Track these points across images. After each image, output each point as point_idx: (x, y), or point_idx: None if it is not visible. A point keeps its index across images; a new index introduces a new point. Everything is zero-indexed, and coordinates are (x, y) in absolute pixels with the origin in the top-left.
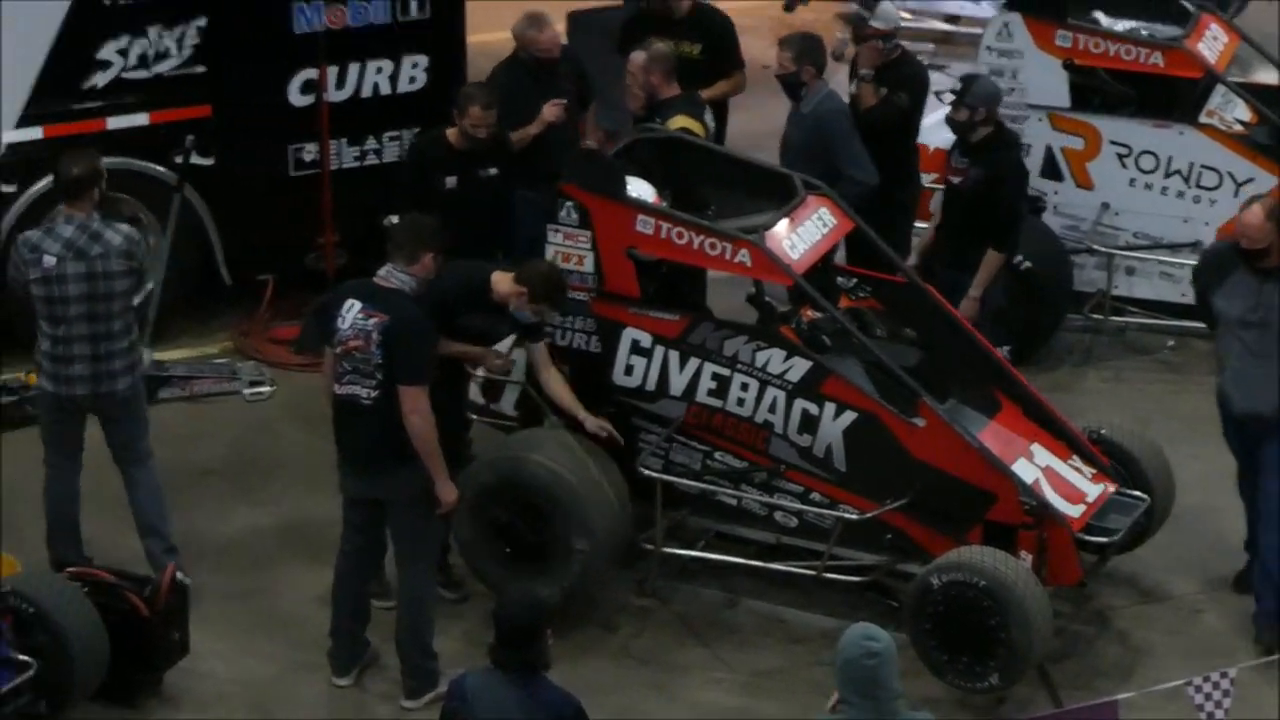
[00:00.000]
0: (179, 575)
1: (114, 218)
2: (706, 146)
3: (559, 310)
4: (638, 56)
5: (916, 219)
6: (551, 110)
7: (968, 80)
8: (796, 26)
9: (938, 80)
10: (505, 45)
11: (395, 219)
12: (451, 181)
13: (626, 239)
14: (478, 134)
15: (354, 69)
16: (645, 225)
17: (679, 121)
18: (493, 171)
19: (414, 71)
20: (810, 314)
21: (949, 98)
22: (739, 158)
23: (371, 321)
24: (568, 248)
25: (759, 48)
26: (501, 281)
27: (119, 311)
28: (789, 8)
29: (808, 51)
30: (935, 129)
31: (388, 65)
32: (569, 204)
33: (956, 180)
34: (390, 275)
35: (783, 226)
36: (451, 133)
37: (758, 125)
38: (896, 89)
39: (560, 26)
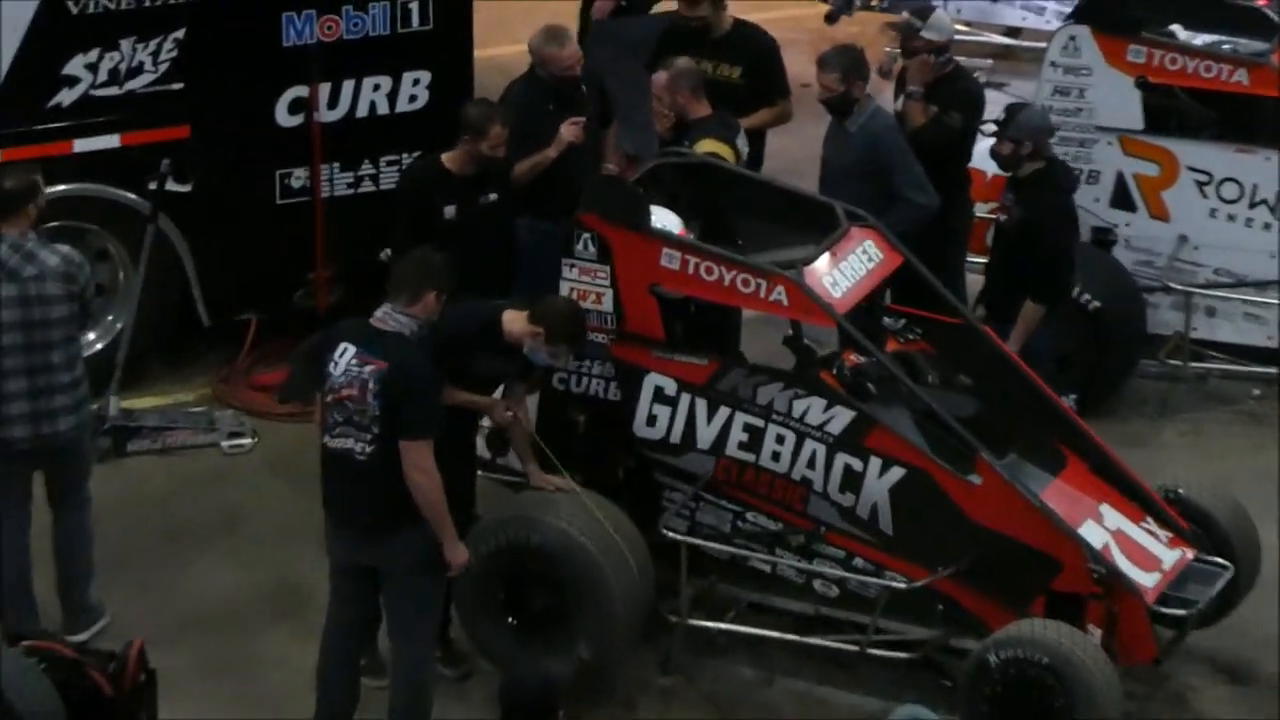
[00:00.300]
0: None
1: (83, 252)
2: (737, 173)
3: (578, 353)
4: (660, 76)
5: (969, 251)
6: (570, 130)
7: (1012, 110)
8: (838, 40)
9: (995, 100)
10: (516, 60)
11: (391, 253)
12: (451, 211)
13: (650, 275)
14: (497, 154)
15: (348, 86)
16: (671, 259)
17: (706, 145)
18: (493, 197)
19: (415, 89)
20: (854, 358)
21: (991, 129)
22: (774, 185)
23: (368, 369)
24: (584, 284)
25: (800, 64)
26: (514, 321)
27: (59, 341)
28: (831, 19)
29: (852, 66)
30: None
31: (386, 82)
32: (586, 235)
33: (1003, 218)
34: (389, 317)
35: (823, 261)
36: (449, 157)
37: (796, 149)
38: (948, 108)
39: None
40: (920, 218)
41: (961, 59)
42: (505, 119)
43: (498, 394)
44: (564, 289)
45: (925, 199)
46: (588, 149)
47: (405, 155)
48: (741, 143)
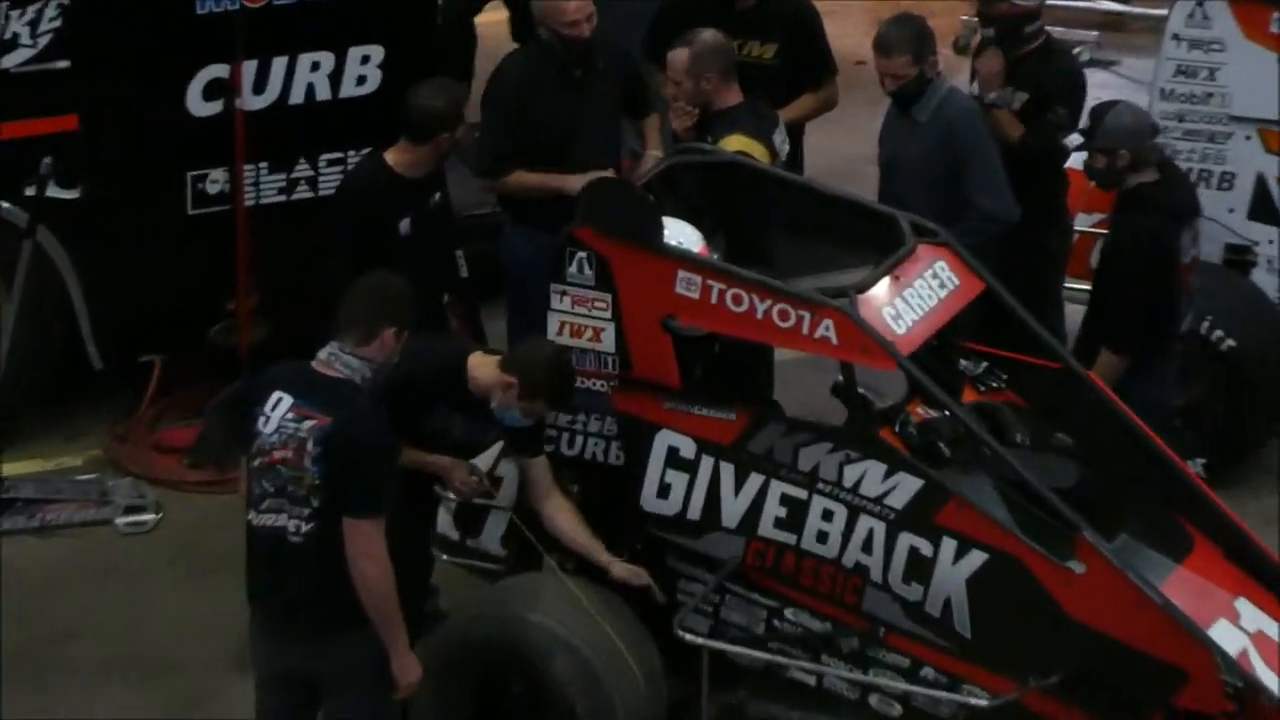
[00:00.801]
0: None
1: None
2: (774, 175)
3: (561, 409)
4: (679, 55)
5: (1068, 275)
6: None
7: (1098, 112)
8: (899, 7)
9: (1102, 83)
10: (500, 30)
11: (330, 279)
12: (405, 226)
13: (663, 305)
14: (451, 146)
15: (279, 65)
16: (689, 285)
17: (735, 142)
18: (438, 198)
19: (364, 69)
20: (922, 412)
21: (1075, 140)
22: (819, 191)
23: (307, 425)
24: (579, 317)
25: (851, 36)
26: (482, 368)
27: None
28: None
29: (922, 41)
30: None
31: (328, 59)
32: (581, 255)
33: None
34: (335, 359)
35: (883, 288)
36: (396, 156)
37: (846, 144)
38: (1040, 95)
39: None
40: (988, 230)
41: (1057, 30)
42: (465, 93)
43: (488, 457)
44: (552, 324)
45: (996, 206)
46: (605, 139)
47: (352, 153)
48: (779, 138)
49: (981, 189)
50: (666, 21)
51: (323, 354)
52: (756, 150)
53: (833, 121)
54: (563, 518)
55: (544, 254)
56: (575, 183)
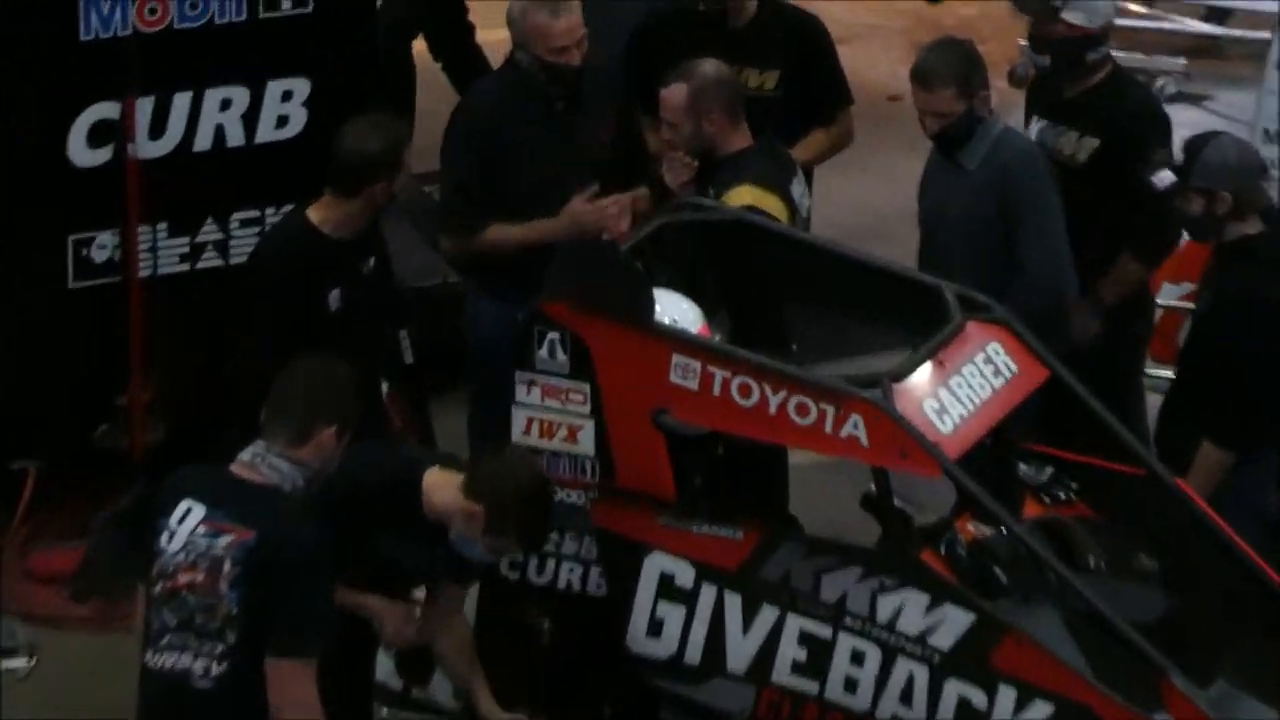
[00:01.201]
0: None
1: None
2: (791, 236)
3: (532, 548)
4: (675, 92)
5: (1152, 360)
6: (586, 210)
7: (1193, 147)
8: (944, 30)
9: (1191, 122)
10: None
11: (241, 366)
12: (335, 298)
13: (654, 397)
14: (391, 196)
15: (182, 103)
16: (686, 372)
17: (744, 194)
18: (372, 263)
19: (287, 107)
20: (973, 529)
21: (1165, 178)
22: (847, 255)
23: (224, 540)
24: (550, 413)
25: (883, 69)
26: (441, 489)
27: None
28: None
29: (969, 70)
30: None
31: (241, 96)
32: (553, 336)
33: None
34: (261, 461)
35: (924, 375)
36: (322, 213)
37: (878, 196)
38: (1109, 136)
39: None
40: (1036, 305)
41: (1136, 58)
42: (408, 130)
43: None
44: (518, 420)
45: (1048, 275)
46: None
47: (271, 210)
48: (799, 190)
49: (1032, 252)
50: (644, 49)
51: (245, 455)
52: (771, 204)
53: (862, 168)
54: (449, 644)
55: (509, 328)
56: (561, 227)
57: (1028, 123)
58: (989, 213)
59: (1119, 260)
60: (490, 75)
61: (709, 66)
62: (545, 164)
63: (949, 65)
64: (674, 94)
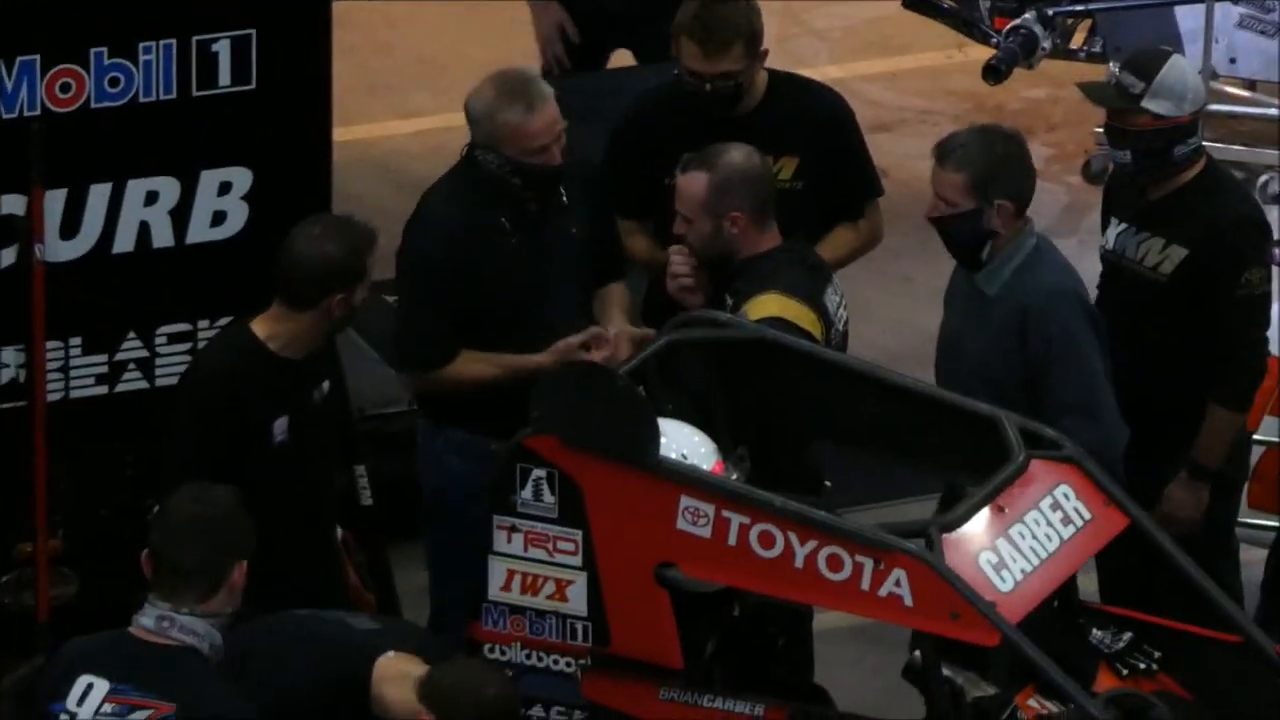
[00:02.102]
0: None
1: None
2: (821, 357)
3: None
4: (694, 182)
5: (1248, 506)
6: (575, 354)
7: None
8: (995, 117)
9: None
10: (410, 145)
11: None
12: (281, 428)
13: (658, 548)
14: (361, 306)
15: (99, 196)
16: (697, 518)
17: (770, 304)
18: (325, 387)
19: (224, 202)
20: (1037, 705)
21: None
22: (888, 380)
23: (138, 718)
24: (535, 564)
25: (917, 154)
26: (392, 684)
27: None
28: (995, 73)
29: (996, 165)
30: None
31: (170, 188)
32: (539, 474)
33: None
34: (170, 624)
35: (980, 524)
36: (269, 327)
37: (925, 313)
38: (1204, 254)
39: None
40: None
41: (1233, 149)
42: (372, 234)
43: None
44: (496, 574)
45: (1088, 435)
46: (572, 301)
47: (204, 324)
48: (834, 303)
49: (1074, 411)
50: (629, 141)
51: (147, 620)
52: (802, 316)
53: (906, 279)
54: None
55: (484, 472)
56: (547, 359)
57: (1105, 226)
58: (1012, 355)
59: (1208, 413)
60: (443, 180)
61: (737, 155)
62: (516, 282)
63: (973, 153)
64: (691, 184)
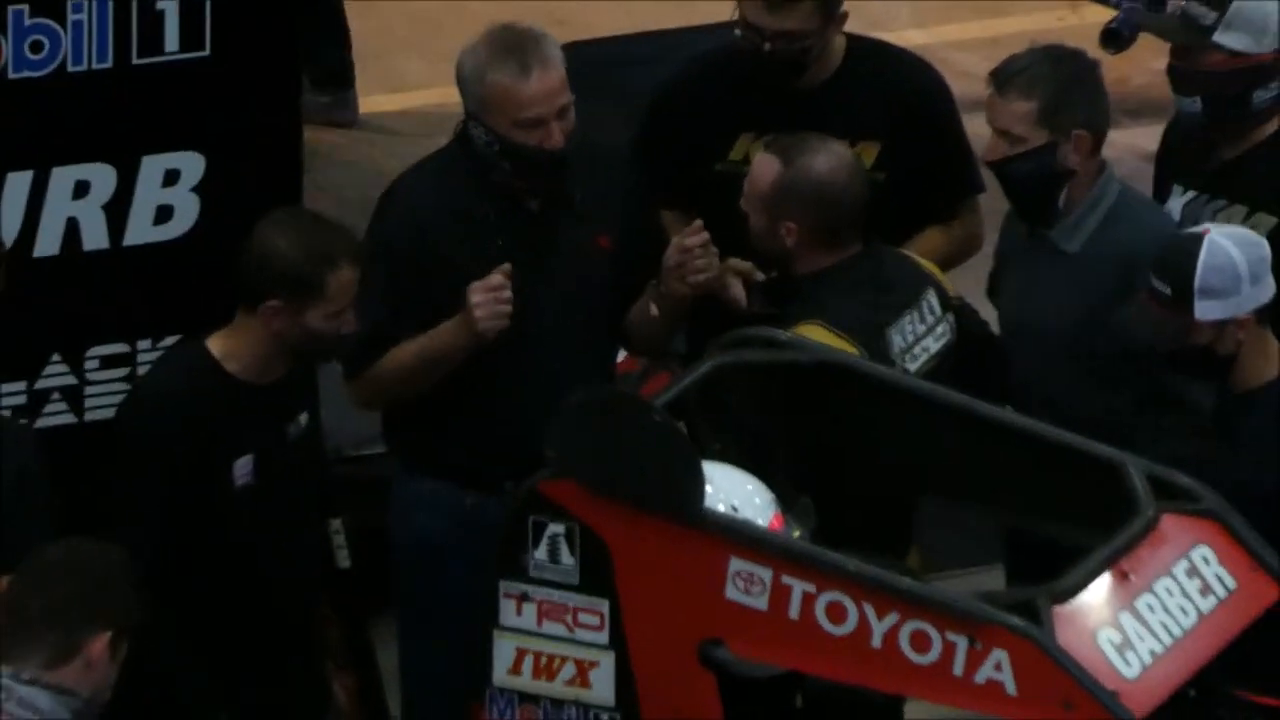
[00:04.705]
0: None
1: None
2: (903, 388)
3: None
4: (764, 166)
5: None
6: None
7: None
8: (1116, 91)
9: None
10: (404, 124)
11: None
12: (245, 468)
13: (704, 620)
14: (340, 328)
15: (17, 187)
16: (751, 585)
17: (812, 334)
18: (303, 421)
19: (171, 194)
20: None
21: None
22: (987, 417)
23: None
24: (551, 642)
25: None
26: None
27: None
28: (1115, 38)
29: (1071, 92)
30: None
31: (104, 176)
32: (556, 531)
33: None
34: (7, 698)
35: (1099, 593)
36: (227, 345)
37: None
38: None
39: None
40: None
41: None
42: (355, 251)
43: None
44: (503, 654)
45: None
46: (583, 323)
47: (146, 345)
48: (911, 331)
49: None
50: (669, 114)
51: None
52: (853, 350)
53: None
54: None
55: (473, 527)
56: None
57: (1162, 194)
58: (1102, 309)
59: None
60: (428, 158)
61: (822, 160)
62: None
63: (1040, 76)
64: (761, 169)
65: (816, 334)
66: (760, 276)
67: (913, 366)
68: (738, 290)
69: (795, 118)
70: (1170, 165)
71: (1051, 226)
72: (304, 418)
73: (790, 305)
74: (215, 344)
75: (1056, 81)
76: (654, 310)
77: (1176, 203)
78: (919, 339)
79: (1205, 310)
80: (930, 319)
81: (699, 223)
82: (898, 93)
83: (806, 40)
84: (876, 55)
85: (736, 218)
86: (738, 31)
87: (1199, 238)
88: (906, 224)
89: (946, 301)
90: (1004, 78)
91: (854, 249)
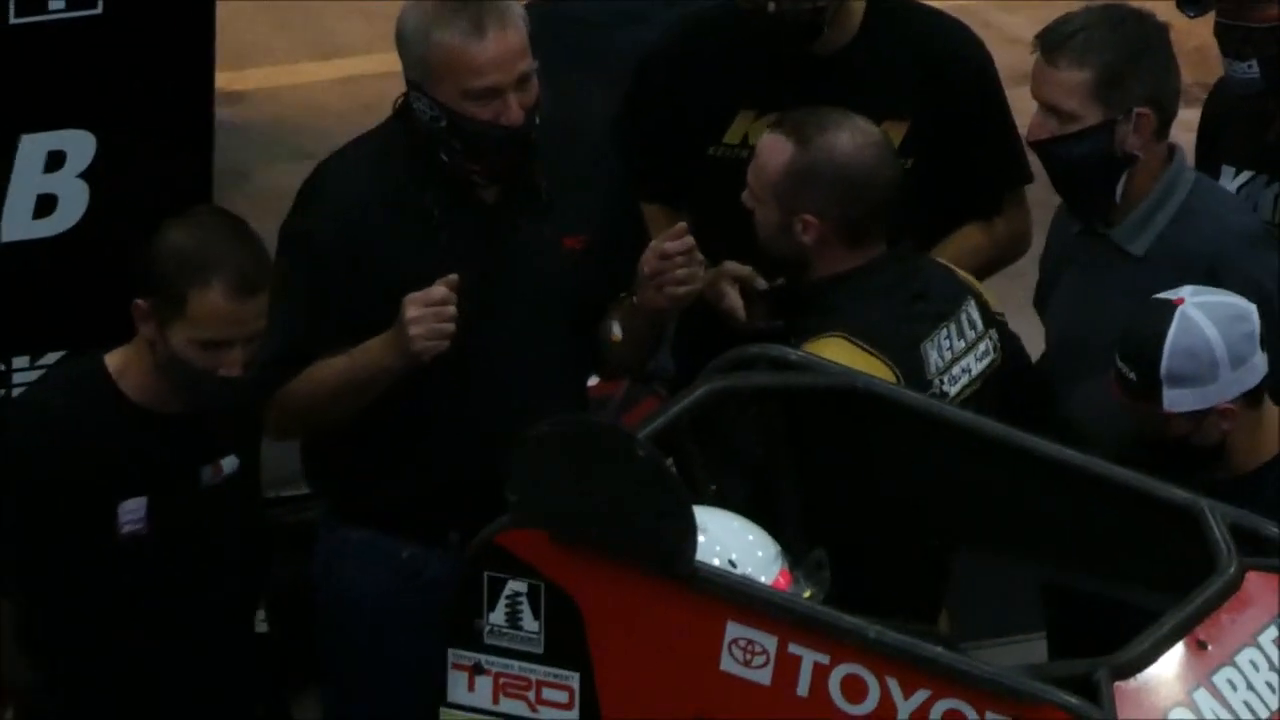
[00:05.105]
0: None
1: None
2: (940, 418)
3: None
4: (772, 147)
5: None
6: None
7: None
8: (1194, 62)
9: None
10: (338, 98)
11: None
12: (135, 513)
13: (695, 697)
14: (231, 367)
15: None
16: (751, 656)
17: (831, 349)
18: (228, 465)
19: (54, 180)
20: None
21: None
22: (1040, 452)
23: None
24: None
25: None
26: None
27: None
28: (1197, 1)
29: (1135, 60)
30: None
31: None
32: (517, 589)
33: None
34: None
35: (1171, 666)
36: (124, 359)
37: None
38: None
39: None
40: None
41: None
42: (241, 278)
43: None
44: None
45: None
46: (545, 340)
47: (22, 365)
48: (948, 347)
49: None
50: (656, 85)
51: None
52: (870, 371)
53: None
54: None
55: (412, 583)
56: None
57: (1206, 172)
58: None
59: None
60: (360, 139)
61: (846, 138)
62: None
63: (1099, 41)
64: (771, 151)
65: (838, 349)
66: (762, 284)
67: (952, 390)
68: (734, 300)
69: (805, 92)
70: (1219, 142)
71: (1110, 223)
72: (230, 461)
73: (805, 316)
74: (113, 360)
75: (1116, 48)
76: (616, 333)
77: (1229, 185)
78: (958, 357)
79: (1175, 400)
80: (971, 334)
81: (682, 225)
82: (929, 61)
83: None
84: (903, 16)
85: (734, 213)
86: None
87: (1169, 310)
88: (939, 220)
89: (989, 315)
90: (1053, 42)
91: (878, 249)
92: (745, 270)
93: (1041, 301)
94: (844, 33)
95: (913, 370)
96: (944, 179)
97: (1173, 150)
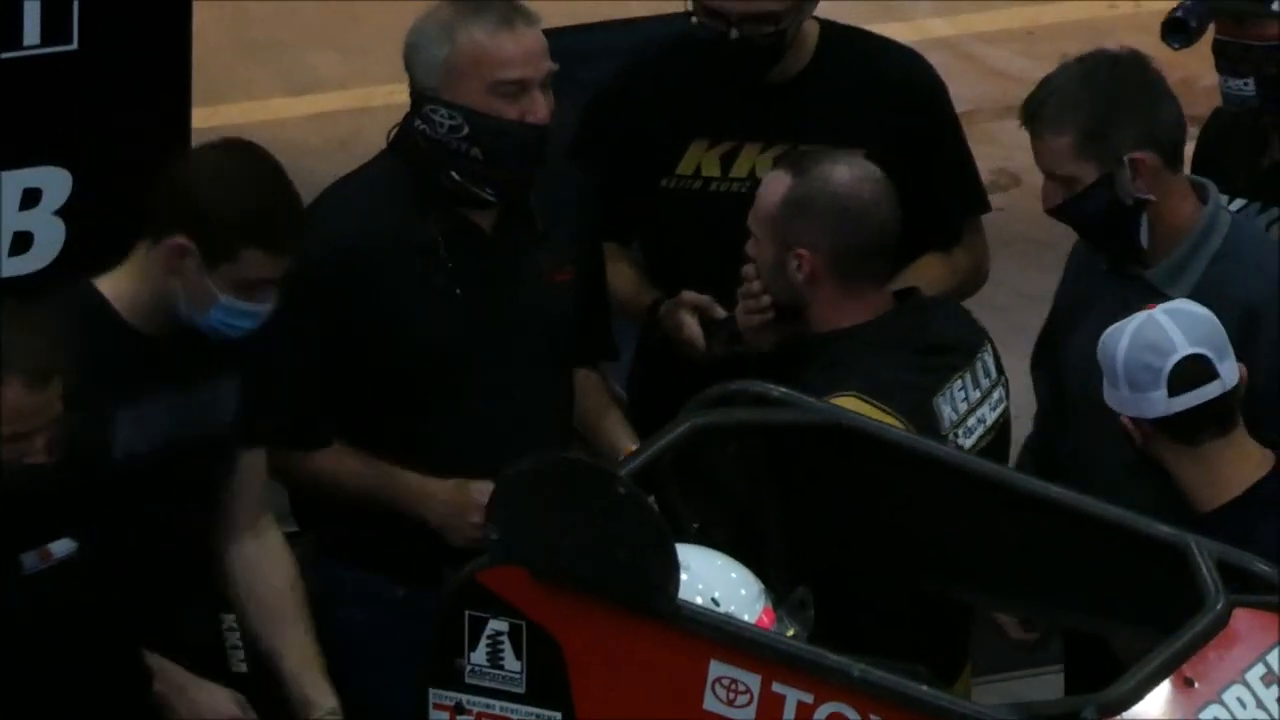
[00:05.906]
0: None
1: None
2: (929, 457)
3: None
4: (774, 184)
5: None
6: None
7: None
8: (1182, 93)
9: None
10: (313, 134)
11: None
12: (34, 565)
13: None
14: (35, 453)
15: None
16: (735, 695)
17: (851, 405)
18: (67, 549)
19: (30, 217)
20: None
21: None
22: (1030, 491)
23: None
24: None
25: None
26: None
27: None
28: (1180, 30)
29: (1111, 108)
30: None
31: None
32: (497, 627)
33: None
34: None
35: (1156, 702)
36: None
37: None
38: None
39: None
40: None
41: None
42: (36, 370)
43: None
44: None
45: None
46: (542, 372)
47: None
48: (963, 399)
49: None
50: (617, 111)
51: None
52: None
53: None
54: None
55: (407, 623)
56: (457, 496)
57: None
58: None
59: None
60: (357, 172)
61: (844, 172)
62: (448, 334)
63: (1072, 98)
64: (770, 188)
65: (854, 408)
66: (721, 312)
67: (967, 442)
68: (694, 330)
69: (758, 121)
70: (1211, 167)
71: (1147, 265)
72: (61, 545)
73: (808, 370)
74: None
75: (1090, 104)
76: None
77: None
78: (973, 408)
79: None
80: (985, 383)
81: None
82: (881, 89)
83: (781, 22)
84: (855, 44)
85: (687, 245)
86: (694, 19)
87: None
88: (899, 249)
89: (1000, 362)
90: (1031, 111)
91: (882, 298)
92: (704, 299)
93: (1045, 344)
94: (797, 60)
95: (927, 427)
96: (901, 208)
97: (1202, 188)
